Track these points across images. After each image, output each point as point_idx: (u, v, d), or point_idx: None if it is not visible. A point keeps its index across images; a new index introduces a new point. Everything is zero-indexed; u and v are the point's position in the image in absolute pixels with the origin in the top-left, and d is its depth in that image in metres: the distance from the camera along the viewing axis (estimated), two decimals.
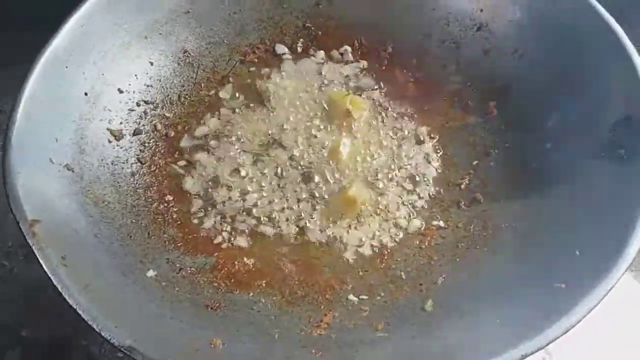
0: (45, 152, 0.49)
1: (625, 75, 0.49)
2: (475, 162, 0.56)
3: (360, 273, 0.50)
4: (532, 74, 0.57)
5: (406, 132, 0.59)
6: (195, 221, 0.54)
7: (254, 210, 0.54)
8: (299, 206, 0.55)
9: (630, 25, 0.52)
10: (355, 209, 0.54)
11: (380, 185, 0.56)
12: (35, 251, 0.41)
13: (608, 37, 0.51)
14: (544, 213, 0.49)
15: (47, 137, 0.50)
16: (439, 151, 0.58)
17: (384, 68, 0.64)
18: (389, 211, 0.54)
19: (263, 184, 0.56)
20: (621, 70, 0.49)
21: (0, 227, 0.62)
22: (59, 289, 0.39)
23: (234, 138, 0.59)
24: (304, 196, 0.55)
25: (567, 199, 0.48)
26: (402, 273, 0.50)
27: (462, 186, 0.55)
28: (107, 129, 0.56)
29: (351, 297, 0.48)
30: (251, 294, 0.49)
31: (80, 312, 0.38)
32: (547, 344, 0.38)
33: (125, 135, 0.57)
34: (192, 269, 0.50)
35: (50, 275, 0.40)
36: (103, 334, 0.37)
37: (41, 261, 0.40)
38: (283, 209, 0.55)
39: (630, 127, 0.47)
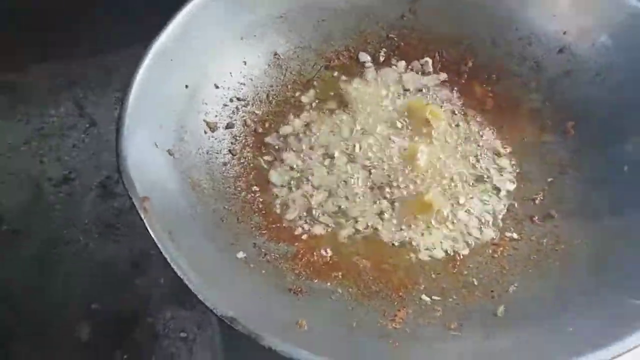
0: (151, 137, 0.53)
1: None
2: (550, 179, 0.58)
3: (433, 276, 0.53)
4: (613, 98, 0.58)
5: (483, 145, 0.61)
6: (278, 211, 0.57)
7: (333, 208, 0.57)
8: (374, 207, 0.58)
9: None
10: (430, 214, 0.56)
11: (456, 194, 0.58)
12: (147, 225, 0.45)
13: None
14: (617, 233, 0.50)
15: (153, 124, 0.54)
16: (514, 166, 0.60)
17: (463, 82, 0.66)
18: (462, 220, 0.56)
19: (341, 184, 0.59)
20: None
21: (79, 206, 0.67)
22: (168, 259, 0.43)
23: (314, 139, 0.63)
24: (380, 198, 0.58)
25: None
26: (474, 279, 0.52)
27: (537, 201, 0.57)
28: (204, 120, 0.60)
29: (424, 297, 0.51)
30: (329, 284, 0.52)
31: (187, 282, 0.41)
32: (616, 357, 0.39)
33: (219, 127, 0.61)
34: (276, 255, 0.53)
35: (160, 247, 0.44)
36: (207, 303, 0.40)
37: (152, 234, 0.44)
38: (360, 209, 0.57)
39: None
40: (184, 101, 0.59)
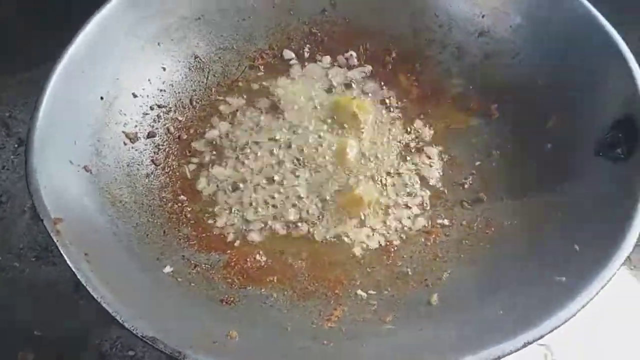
0: (65, 154, 0.51)
1: (622, 77, 0.51)
2: (478, 163, 0.58)
3: (368, 270, 0.52)
4: (533, 77, 0.59)
5: (411, 134, 0.61)
6: (209, 220, 0.56)
7: (264, 210, 0.56)
8: (307, 205, 0.57)
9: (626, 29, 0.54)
10: (362, 208, 0.56)
11: (386, 185, 0.58)
12: (60, 248, 0.43)
13: (605, 41, 0.53)
14: (544, 211, 0.51)
15: (67, 140, 0.52)
16: (442, 152, 0.60)
17: (388, 72, 0.66)
18: (394, 210, 0.56)
19: (272, 184, 0.58)
20: (618, 72, 0.51)
21: (12, 229, 0.64)
22: (84, 283, 0.41)
23: (243, 141, 0.61)
24: (312, 196, 0.57)
25: (567, 197, 0.50)
26: (408, 269, 0.52)
27: (466, 186, 0.57)
28: (123, 131, 0.58)
29: (360, 292, 0.50)
30: (263, 290, 0.50)
31: (104, 305, 0.39)
32: (547, 334, 0.40)
33: (139, 137, 0.59)
34: (207, 265, 0.52)
35: (74, 270, 0.42)
36: (127, 325, 0.39)
37: (65, 257, 0.42)
38: (292, 208, 0.56)
39: (627, 127, 0.48)
40: (100, 113, 0.56)
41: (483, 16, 0.63)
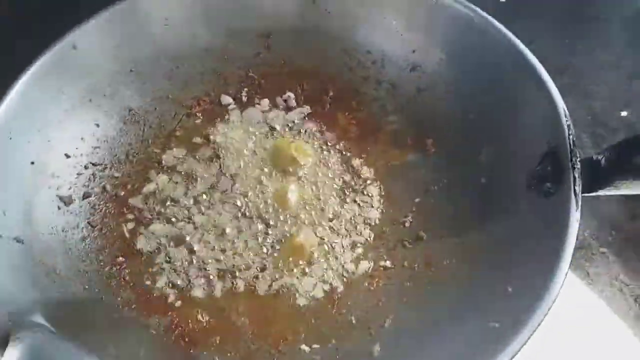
0: None
1: (546, 109, 0.51)
2: (417, 200, 0.58)
3: (313, 320, 0.52)
4: (464, 110, 0.59)
5: (350, 174, 0.61)
6: (148, 282, 0.55)
7: (206, 266, 0.55)
8: (249, 258, 0.56)
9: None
10: (304, 255, 0.55)
11: (328, 229, 0.57)
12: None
13: (528, 73, 0.54)
14: (480, 249, 0.51)
15: None
16: (382, 191, 0.60)
17: (327, 112, 0.66)
18: (337, 255, 0.56)
19: (214, 238, 0.57)
20: (542, 104, 0.52)
21: None
22: None
23: (182, 192, 0.60)
24: (254, 247, 0.57)
25: (502, 234, 0.51)
26: (352, 317, 0.51)
27: (406, 224, 0.57)
28: (56, 195, 0.57)
29: (303, 346, 0.50)
30: (206, 353, 0.50)
31: None
32: None
33: (74, 200, 0.57)
34: (152, 330, 0.51)
35: None
36: None
37: None
38: (234, 263, 0.56)
39: (554, 161, 0.49)
40: (31, 179, 0.55)
41: (414, 51, 0.64)
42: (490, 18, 0.57)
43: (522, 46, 0.55)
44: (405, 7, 0.61)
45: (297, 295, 0.54)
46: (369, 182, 0.61)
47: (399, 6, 0.61)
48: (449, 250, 0.53)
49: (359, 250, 0.56)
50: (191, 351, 0.49)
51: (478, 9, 0.58)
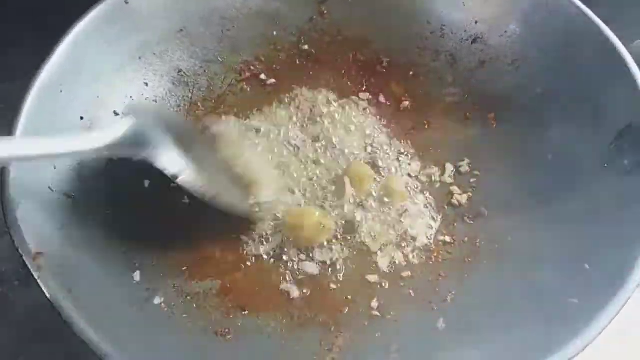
0: (44, 180, 0.48)
1: (624, 85, 0.50)
2: (477, 175, 0.56)
3: (369, 292, 0.50)
4: (531, 85, 0.57)
5: (407, 148, 0.59)
6: (200, 242, 0.53)
7: (262, 232, 0.53)
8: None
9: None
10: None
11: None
12: (41, 285, 0.40)
13: (604, 48, 0.52)
14: (549, 225, 0.49)
15: (45, 165, 0.49)
16: (440, 164, 0.58)
17: (379, 82, 0.64)
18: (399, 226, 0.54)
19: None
20: (620, 80, 0.50)
21: None
22: (68, 323, 0.38)
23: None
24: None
25: (573, 211, 0.48)
26: (411, 291, 0.50)
27: (466, 200, 0.55)
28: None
29: (361, 317, 0.48)
30: (260, 318, 0.48)
31: (92, 347, 0.37)
32: None
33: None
34: (199, 293, 0.49)
35: (58, 310, 0.39)
36: None
37: (47, 294, 0.40)
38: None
39: (632, 138, 0.47)
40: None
41: (476, 22, 0.61)
42: None
43: (598, 20, 0.53)
44: None
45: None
46: (427, 155, 0.58)
47: None
48: (513, 227, 0.51)
49: (419, 224, 0.54)
50: (245, 314, 0.48)
51: None
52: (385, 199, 0.54)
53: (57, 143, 0.43)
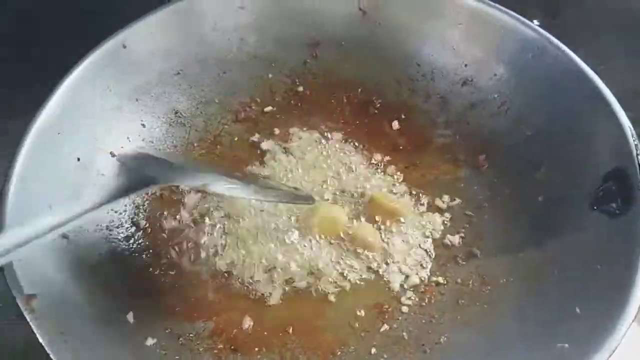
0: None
1: (610, 127, 0.50)
2: (469, 216, 0.57)
3: (362, 334, 0.50)
4: (519, 127, 0.58)
5: (399, 188, 0.60)
6: (193, 284, 0.53)
7: (254, 273, 0.53)
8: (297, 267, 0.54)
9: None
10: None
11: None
12: (34, 327, 0.40)
13: (591, 91, 0.53)
14: (540, 267, 0.49)
15: (41, 206, 0.49)
16: (432, 205, 0.58)
17: (372, 123, 0.65)
18: (390, 267, 0.54)
19: (264, 244, 0.55)
20: (607, 123, 0.51)
21: None
22: None
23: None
24: (303, 255, 0.55)
25: (563, 253, 0.49)
26: (404, 333, 0.50)
27: (458, 240, 0.55)
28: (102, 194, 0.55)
29: None
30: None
31: None
32: None
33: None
34: (191, 335, 0.49)
35: (49, 352, 0.39)
36: None
37: (40, 338, 0.40)
38: (283, 269, 0.54)
39: (620, 181, 0.48)
40: (77, 175, 0.54)
41: (466, 65, 0.63)
42: (550, 36, 0.57)
43: (582, 64, 0.54)
44: (466, 21, 0.60)
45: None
46: (419, 196, 0.59)
47: (459, 20, 0.61)
48: (506, 269, 0.51)
49: (411, 264, 0.54)
50: (238, 356, 0.47)
51: (538, 27, 0.57)
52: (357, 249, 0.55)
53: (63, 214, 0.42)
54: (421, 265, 0.54)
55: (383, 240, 0.55)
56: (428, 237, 0.56)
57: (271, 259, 0.54)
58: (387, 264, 0.54)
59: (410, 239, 0.56)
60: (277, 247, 0.55)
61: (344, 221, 0.56)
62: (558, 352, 0.41)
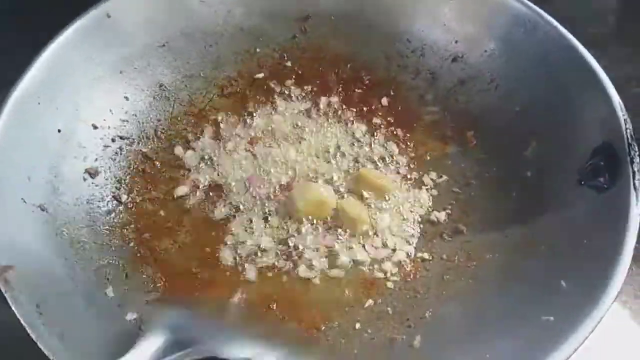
0: (17, 192, 0.48)
1: (599, 103, 0.50)
2: (456, 192, 0.56)
3: (346, 309, 0.49)
4: (509, 103, 0.57)
5: (387, 163, 0.59)
6: (173, 259, 0.52)
7: (238, 249, 0.53)
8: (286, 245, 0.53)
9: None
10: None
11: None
12: (9, 299, 0.39)
13: (580, 66, 0.52)
14: (526, 243, 0.49)
15: (20, 177, 0.49)
16: (419, 181, 0.58)
17: (360, 99, 0.64)
18: (375, 241, 0.53)
19: (247, 219, 0.55)
20: (595, 98, 0.50)
21: None
22: (34, 338, 0.37)
23: (214, 174, 0.58)
24: (288, 234, 0.54)
25: (550, 228, 0.48)
26: (389, 308, 0.49)
27: (445, 217, 0.55)
28: (82, 166, 0.54)
29: (339, 336, 0.47)
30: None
31: None
32: None
33: (100, 172, 0.55)
34: None
35: (24, 324, 0.38)
36: None
37: (15, 310, 0.39)
38: (268, 248, 0.53)
39: (608, 155, 0.47)
40: (58, 147, 0.53)
41: (456, 42, 0.62)
42: (541, 12, 0.56)
43: (573, 39, 0.54)
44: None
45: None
46: (406, 172, 0.58)
47: None
48: (492, 245, 0.51)
49: (397, 238, 0.54)
50: None
51: (529, 3, 0.56)
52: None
53: None
54: (407, 241, 0.54)
55: (370, 217, 0.54)
56: (414, 212, 0.55)
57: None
58: (372, 239, 0.53)
59: (396, 215, 0.55)
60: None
61: (332, 204, 0.54)
62: (543, 325, 0.40)
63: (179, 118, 0.62)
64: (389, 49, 0.64)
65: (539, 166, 0.53)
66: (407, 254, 0.53)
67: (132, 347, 0.40)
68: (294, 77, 0.65)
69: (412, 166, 0.58)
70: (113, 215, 0.54)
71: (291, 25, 0.65)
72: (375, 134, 0.61)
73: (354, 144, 0.60)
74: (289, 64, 0.65)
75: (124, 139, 0.58)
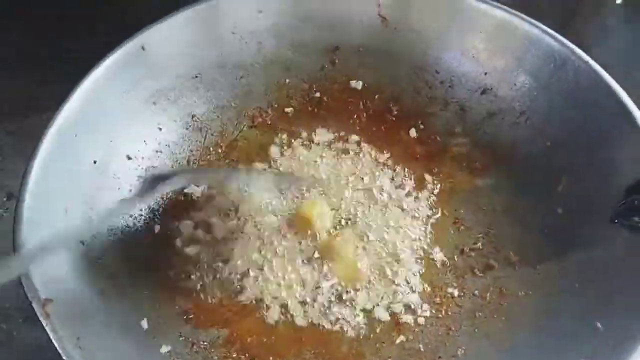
0: (55, 224, 0.48)
1: (632, 140, 0.50)
2: (486, 227, 0.56)
3: (377, 346, 0.49)
4: (539, 137, 0.57)
5: (415, 196, 0.59)
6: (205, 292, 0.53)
7: (266, 285, 0.53)
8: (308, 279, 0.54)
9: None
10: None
11: (393, 250, 0.55)
12: (49, 333, 0.40)
13: (613, 102, 0.52)
14: (560, 281, 0.49)
15: (57, 209, 0.49)
16: (448, 215, 0.58)
17: (388, 131, 0.64)
18: (400, 278, 0.53)
19: (276, 258, 0.55)
20: (628, 135, 0.50)
21: None
22: None
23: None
24: (312, 269, 0.54)
25: (582, 266, 0.48)
26: (420, 345, 0.49)
27: (475, 252, 0.55)
28: (116, 197, 0.55)
29: None
30: None
31: None
32: None
33: (134, 202, 0.56)
34: (205, 343, 0.49)
35: (64, 357, 0.39)
36: None
37: (55, 344, 0.40)
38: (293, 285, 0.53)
39: None
40: (93, 178, 0.54)
41: (486, 73, 0.62)
42: (574, 47, 0.56)
43: (606, 75, 0.54)
44: (488, 29, 0.60)
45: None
46: (435, 204, 0.58)
47: (480, 28, 0.60)
48: (524, 281, 0.51)
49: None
50: None
51: (561, 37, 0.56)
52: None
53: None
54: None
55: None
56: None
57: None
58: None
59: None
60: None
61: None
62: None
63: (210, 148, 0.63)
64: (417, 80, 0.65)
65: (570, 202, 0.53)
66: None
67: None
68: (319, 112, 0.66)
69: (439, 199, 0.58)
70: (147, 247, 0.54)
71: (320, 56, 0.66)
72: (402, 164, 0.61)
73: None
74: (317, 94, 0.66)
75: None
